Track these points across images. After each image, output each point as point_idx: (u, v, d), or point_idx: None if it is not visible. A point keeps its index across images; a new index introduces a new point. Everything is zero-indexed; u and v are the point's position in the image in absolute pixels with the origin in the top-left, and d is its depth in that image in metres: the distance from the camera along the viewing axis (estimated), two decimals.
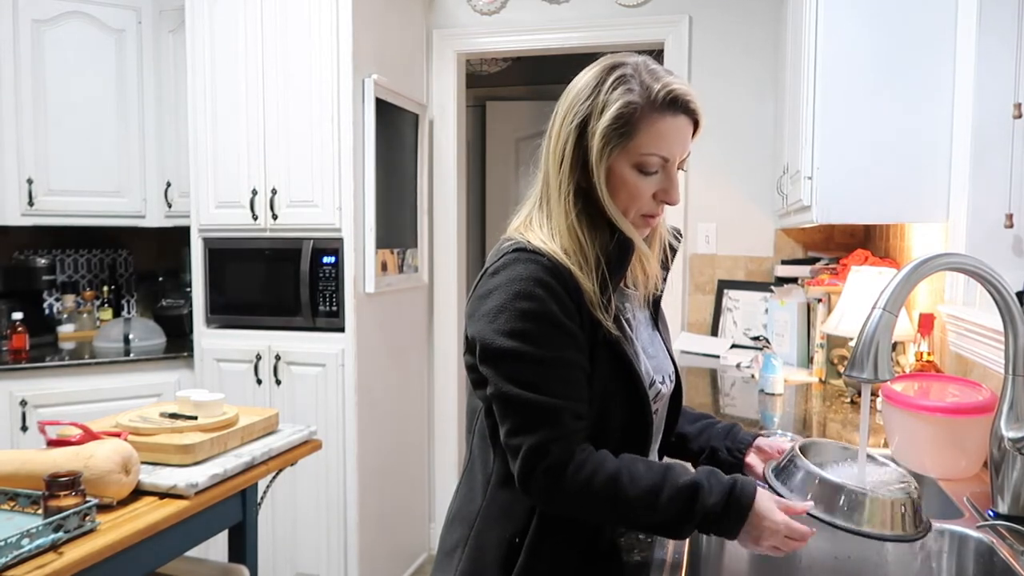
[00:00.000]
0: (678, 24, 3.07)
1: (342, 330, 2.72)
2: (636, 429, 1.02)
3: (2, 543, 1.14)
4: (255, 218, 2.76)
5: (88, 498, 1.29)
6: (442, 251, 3.41)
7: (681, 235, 1.20)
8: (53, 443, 1.49)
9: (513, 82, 4.60)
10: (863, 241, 2.89)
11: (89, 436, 1.49)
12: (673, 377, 1.14)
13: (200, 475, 1.49)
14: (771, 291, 2.79)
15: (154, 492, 1.45)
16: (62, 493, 1.25)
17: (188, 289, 3.26)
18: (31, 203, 2.99)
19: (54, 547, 1.21)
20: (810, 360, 2.55)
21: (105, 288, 3.52)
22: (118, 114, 3.15)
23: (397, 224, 3.02)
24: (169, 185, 3.23)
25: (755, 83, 3.01)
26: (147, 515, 1.37)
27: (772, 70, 2.97)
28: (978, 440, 1.33)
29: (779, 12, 2.87)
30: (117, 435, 1.52)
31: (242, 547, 1.75)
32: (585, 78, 1.01)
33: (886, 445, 1.52)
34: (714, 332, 3.07)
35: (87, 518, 1.27)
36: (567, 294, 0.96)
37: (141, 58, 3.18)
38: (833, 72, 1.85)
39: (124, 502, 1.40)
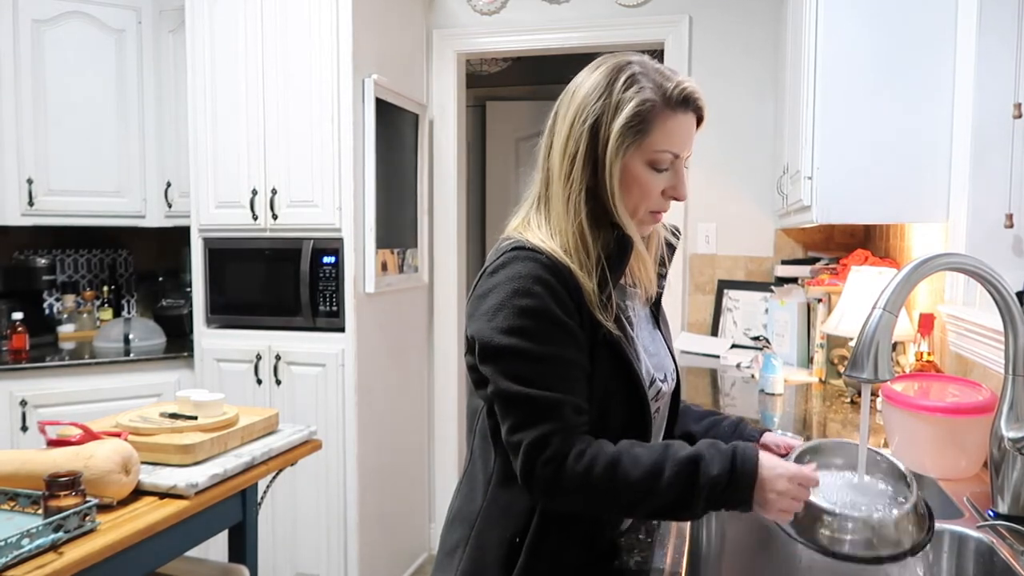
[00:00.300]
0: (678, 24, 3.07)
1: (342, 330, 2.72)
2: (636, 429, 1.02)
3: (2, 543, 1.14)
4: (255, 218, 2.77)
5: (88, 498, 1.29)
6: (442, 251, 3.41)
7: (679, 232, 1.21)
8: (53, 443, 1.49)
9: (513, 82, 4.60)
10: (863, 241, 2.89)
11: (89, 436, 1.49)
12: (674, 375, 1.14)
13: (200, 475, 1.49)
14: (771, 291, 2.79)
15: (154, 492, 1.45)
16: (62, 493, 1.25)
17: (188, 289, 3.26)
18: (31, 203, 2.99)
19: (54, 547, 1.21)
20: (810, 360, 2.55)
21: (105, 288, 3.52)
22: (118, 114, 3.15)
23: (397, 224, 3.02)
24: (169, 185, 3.23)
25: (755, 83, 3.01)
26: (147, 515, 1.37)
27: (772, 70, 2.97)
28: (978, 440, 1.33)
29: (779, 12, 2.87)
30: (117, 435, 1.52)
31: (242, 547, 1.75)
32: (592, 79, 1.01)
33: (886, 445, 1.52)
34: (714, 332, 3.07)
35: (87, 518, 1.27)
36: (567, 292, 0.97)
37: (141, 58, 3.18)
38: (833, 72, 1.85)
39: (124, 502, 1.40)
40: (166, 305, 3.40)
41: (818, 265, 2.71)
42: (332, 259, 2.71)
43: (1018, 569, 1.05)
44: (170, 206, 3.23)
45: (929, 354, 1.81)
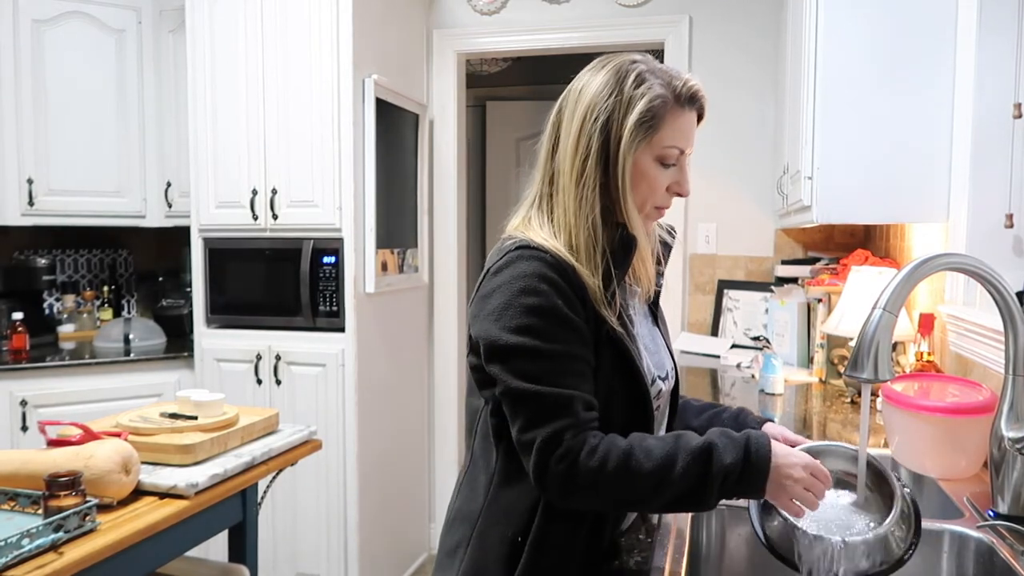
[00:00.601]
0: (678, 24, 3.07)
1: (342, 330, 2.72)
2: (639, 426, 1.02)
3: (2, 543, 1.14)
4: (255, 218, 2.77)
5: (88, 498, 1.29)
6: (442, 251, 3.41)
7: (675, 232, 1.22)
8: (53, 443, 1.49)
9: (513, 82, 4.60)
10: (863, 241, 2.89)
11: (89, 436, 1.49)
12: (673, 374, 1.14)
13: (200, 475, 1.49)
14: (771, 291, 2.79)
15: (154, 492, 1.45)
16: (62, 493, 1.25)
17: (188, 289, 3.26)
18: (31, 203, 2.99)
19: (54, 547, 1.21)
20: (810, 360, 2.55)
21: (105, 288, 3.52)
22: (118, 114, 3.15)
23: (397, 224, 3.02)
24: (169, 185, 3.23)
25: (755, 83, 3.01)
26: (147, 515, 1.37)
27: (772, 70, 2.97)
28: (978, 440, 1.33)
29: (779, 12, 2.87)
30: (117, 435, 1.52)
31: (242, 547, 1.75)
32: (600, 77, 1.02)
33: (886, 445, 1.52)
34: (714, 332, 3.07)
35: (87, 518, 1.27)
36: (571, 290, 0.97)
37: (141, 58, 3.18)
38: (833, 72, 1.85)
39: (124, 502, 1.40)
40: (166, 305, 3.40)
41: (818, 265, 2.71)
42: (332, 259, 2.71)
43: (1018, 569, 1.05)
44: (170, 206, 3.23)
45: (929, 354, 1.81)
